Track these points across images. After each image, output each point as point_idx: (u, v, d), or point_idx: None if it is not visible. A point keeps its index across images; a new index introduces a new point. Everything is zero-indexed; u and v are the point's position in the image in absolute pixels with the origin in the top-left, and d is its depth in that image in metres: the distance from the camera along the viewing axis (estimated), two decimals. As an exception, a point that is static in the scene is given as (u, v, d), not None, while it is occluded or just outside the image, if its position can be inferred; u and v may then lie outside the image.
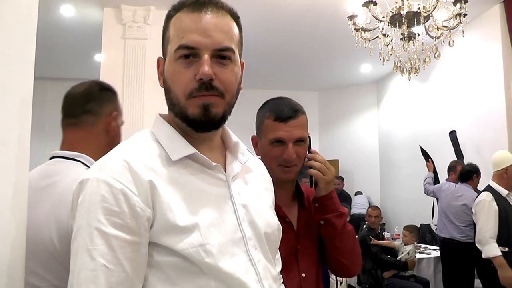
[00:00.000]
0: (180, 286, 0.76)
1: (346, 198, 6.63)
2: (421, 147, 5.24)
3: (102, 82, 1.38)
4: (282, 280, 1.01)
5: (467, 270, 3.89)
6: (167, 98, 0.86)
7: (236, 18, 0.88)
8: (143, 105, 4.29)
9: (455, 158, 4.44)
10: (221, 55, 0.82)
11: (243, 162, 0.94)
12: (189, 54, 0.81)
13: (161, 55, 0.90)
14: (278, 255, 1.01)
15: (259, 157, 1.24)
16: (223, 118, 0.86)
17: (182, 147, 0.84)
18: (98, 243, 0.71)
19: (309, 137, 1.28)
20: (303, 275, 1.24)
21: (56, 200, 1.10)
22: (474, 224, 3.47)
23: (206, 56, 0.80)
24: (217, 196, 0.84)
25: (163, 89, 0.88)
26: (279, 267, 1.00)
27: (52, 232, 1.08)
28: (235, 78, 0.86)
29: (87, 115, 1.26)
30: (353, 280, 4.55)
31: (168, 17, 0.87)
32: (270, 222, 0.93)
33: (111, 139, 1.28)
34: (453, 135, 4.12)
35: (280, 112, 1.23)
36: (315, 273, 1.29)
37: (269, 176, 1.05)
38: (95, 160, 0.85)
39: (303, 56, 6.08)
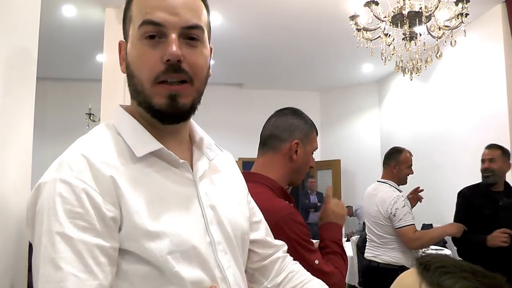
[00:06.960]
0: None
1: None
2: None
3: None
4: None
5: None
6: (130, 85, 0.78)
7: None
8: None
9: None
10: (190, 35, 0.76)
11: (211, 159, 0.87)
12: (155, 33, 0.74)
13: None
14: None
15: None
16: (192, 108, 0.78)
17: (146, 142, 0.76)
18: (62, 249, 0.62)
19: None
20: (316, 262, 1.31)
21: None
22: None
23: (173, 35, 0.73)
24: (184, 196, 0.77)
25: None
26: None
27: None
28: (205, 61, 0.79)
29: None
30: (355, 280, 4.54)
31: None
32: (238, 223, 0.86)
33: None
34: None
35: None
36: None
37: (238, 168, 0.99)
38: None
39: (304, 56, 6.06)
